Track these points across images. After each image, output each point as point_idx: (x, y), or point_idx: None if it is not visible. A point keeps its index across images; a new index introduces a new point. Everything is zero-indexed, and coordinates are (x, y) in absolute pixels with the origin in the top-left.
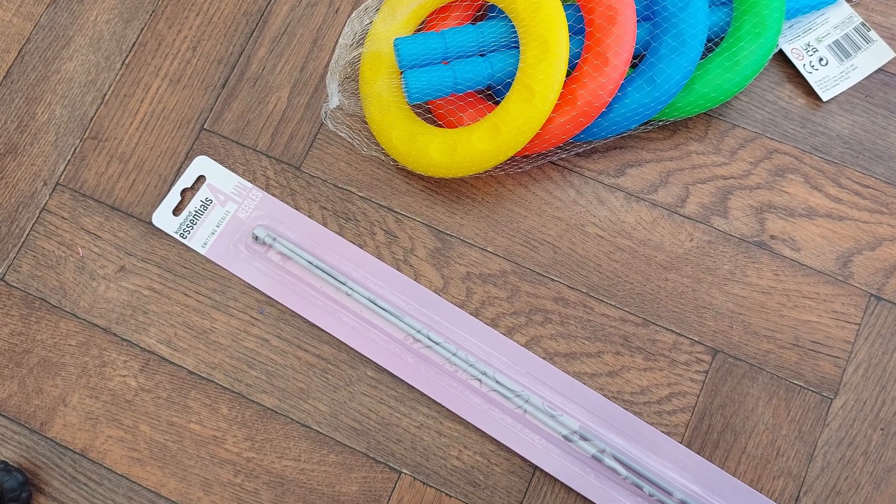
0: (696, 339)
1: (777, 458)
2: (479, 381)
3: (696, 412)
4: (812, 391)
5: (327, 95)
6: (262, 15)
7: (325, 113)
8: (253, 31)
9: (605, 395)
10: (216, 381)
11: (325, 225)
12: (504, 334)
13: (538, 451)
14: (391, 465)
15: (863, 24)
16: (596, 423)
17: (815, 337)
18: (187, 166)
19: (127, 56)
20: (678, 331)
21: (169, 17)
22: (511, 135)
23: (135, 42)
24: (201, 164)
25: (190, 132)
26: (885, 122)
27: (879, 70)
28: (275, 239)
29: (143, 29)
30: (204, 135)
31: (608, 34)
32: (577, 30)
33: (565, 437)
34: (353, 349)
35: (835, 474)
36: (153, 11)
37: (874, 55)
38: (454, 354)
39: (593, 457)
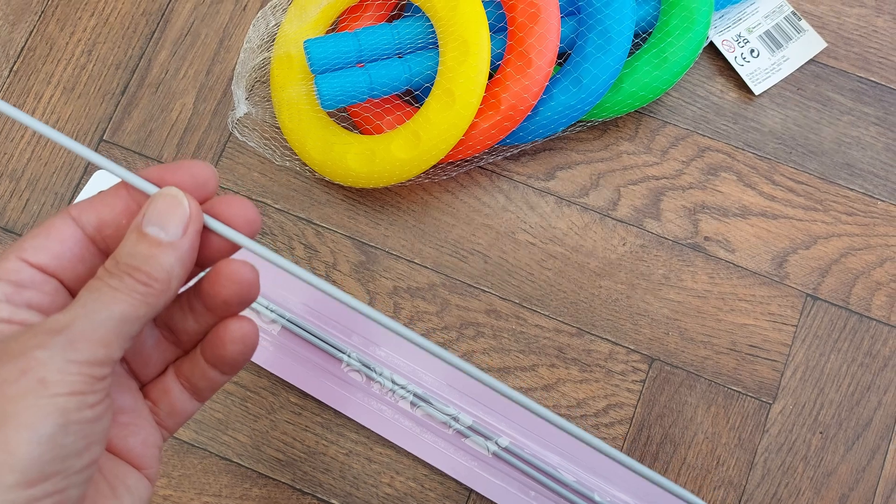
0: (632, 348)
1: (717, 468)
2: (412, 403)
3: (635, 423)
4: (751, 397)
5: (234, 103)
6: (164, 14)
7: (231, 122)
8: (154, 32)
9: None
10: None
11: None
12: None
13: (472, 473)
14: (319, 496)
15: (793, 14)
16: (532, 440)
17: (753, 341)
18: (86, 182)
19: (14, 63)
20: (613, 339)
21: (60, 18)
22: (432, 143)
23: (23, 47)
24: (102, 179)
25: (88, 144)
26: (818, 115)
27: (811, 61)
28: None
29: (31, 32)
30: (103, 146)
31: (531, 33)
32: (499, 28)
33: (494, 454)
34: (273, 375)
35: (775, 481)
36: (42, 13)
37: (805, 45)
38: (380, 375)
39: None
